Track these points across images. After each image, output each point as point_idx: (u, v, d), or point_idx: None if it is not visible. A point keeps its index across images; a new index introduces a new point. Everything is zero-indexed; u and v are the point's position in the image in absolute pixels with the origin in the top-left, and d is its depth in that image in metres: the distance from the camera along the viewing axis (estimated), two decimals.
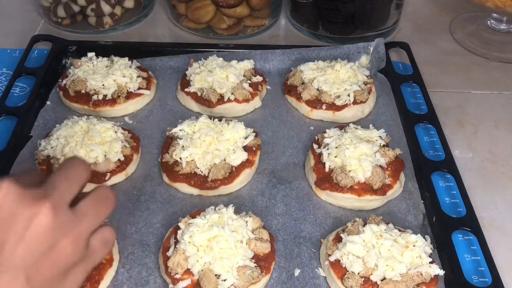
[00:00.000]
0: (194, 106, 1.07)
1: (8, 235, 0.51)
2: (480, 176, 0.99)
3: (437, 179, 0.96)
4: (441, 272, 0.75)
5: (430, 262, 0.75)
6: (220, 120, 0.97)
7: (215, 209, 0.81)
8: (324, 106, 1.05)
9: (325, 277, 0.79)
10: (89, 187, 0.88)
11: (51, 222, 0.53)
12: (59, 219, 0.54)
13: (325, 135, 0.96)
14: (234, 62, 1.10)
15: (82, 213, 0.57)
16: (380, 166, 0.90)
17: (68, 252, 0.55)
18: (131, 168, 0.94)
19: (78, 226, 0.56)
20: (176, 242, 0.77)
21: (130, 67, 1.08)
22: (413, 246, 0.76)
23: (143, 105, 1.08)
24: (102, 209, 0.60)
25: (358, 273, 0.75)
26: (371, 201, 0.89)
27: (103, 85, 1.04)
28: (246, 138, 0.95)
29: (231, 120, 0.97)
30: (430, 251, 0.77)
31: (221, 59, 1.11)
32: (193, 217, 0.80)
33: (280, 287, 0.78)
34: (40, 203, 0.52)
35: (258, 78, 1.10)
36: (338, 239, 0.80)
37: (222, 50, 1.18)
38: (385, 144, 0.95)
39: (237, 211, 0.82)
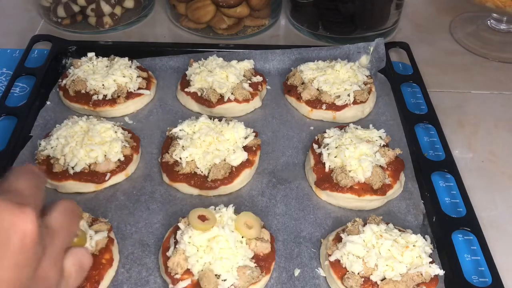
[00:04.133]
0: (194, 106, 1.07)
1: None
2: (480, 176, 0.99)
3: (437, 179, 0.96)
4: (441, 272, 0.75)
5: (430, 262, 0.75)
6: (220, 120, 0.97)
7: (215, 209, 0.81)
8: (324, 106, 1.05)
9: (325, 277, 0.79)
10: (90, 187, 0.90)
11: (36, 235, 0.43)
12: (40, 232, 0.44)
13: (325, 135, 0.96)
14: (234, 62, 1.10)
15: (54, 227, 0.48)
16: (380, 166, 0.90)
17: (50, 276, 0.45)
18: (131, 168, 0.94)
19: (54, 242, 0.47)
20: (176, 242, 0.77)
21: (130, 67, 1.08)
22: (413, 246, 0.76)
23: (143, 105, 1.08)
24: (72, 223, 0.51)
25: (358, 273, 0.75)
26: (371, 201, 0.89)
27: (103, 85, 1.04)
28: (246, 138, 0.95)
29: (231, 120, 0.97)
30: (430, 251, 0.77)
31: (221, 59, 1.11)
32: None
33: (280, 287, 0.78)
34: (22, 210, 0.43)
35: (258, 78, 1.10)
36: (338, 239, 0.80)
37: (222, 50, 1.18)
38: (385, 144, 0.95)
39: (237, 211, 0.82)
